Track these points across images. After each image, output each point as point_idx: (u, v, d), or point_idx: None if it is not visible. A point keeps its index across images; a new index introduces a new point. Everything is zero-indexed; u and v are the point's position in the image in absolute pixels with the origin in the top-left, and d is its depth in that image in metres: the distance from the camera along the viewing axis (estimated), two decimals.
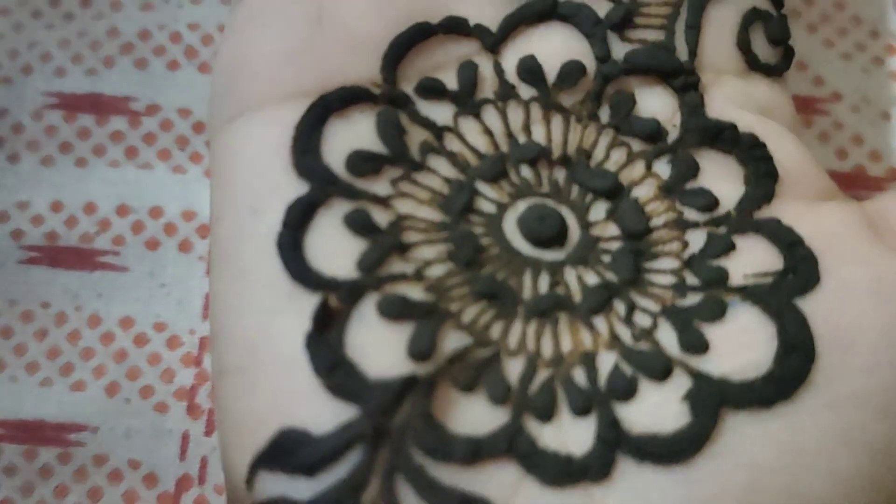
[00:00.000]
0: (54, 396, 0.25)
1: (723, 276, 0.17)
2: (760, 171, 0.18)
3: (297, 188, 0.17)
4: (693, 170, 0.18)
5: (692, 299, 0.17)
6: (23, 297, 0.26)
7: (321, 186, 0.17)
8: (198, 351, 0.25)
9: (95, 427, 0.24)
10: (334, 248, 0.16)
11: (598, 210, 0.18)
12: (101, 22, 0.28)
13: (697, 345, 0.16)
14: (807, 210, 0.18)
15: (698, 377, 0.16)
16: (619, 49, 0.19)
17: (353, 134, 0.17)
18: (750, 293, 0.17)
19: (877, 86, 0.28)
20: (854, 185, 0.27)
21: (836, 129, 0.28)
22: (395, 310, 0.16)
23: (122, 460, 0.24)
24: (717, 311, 0.16)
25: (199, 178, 0.27)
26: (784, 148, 0.18)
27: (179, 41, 0.28)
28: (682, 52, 0.19)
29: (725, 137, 0.18)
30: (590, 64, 0.18)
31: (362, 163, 0.17)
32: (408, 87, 0.18)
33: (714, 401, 0.16)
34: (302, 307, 0.16)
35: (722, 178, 0.18)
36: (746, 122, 0.18)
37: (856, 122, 0.28)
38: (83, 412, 0.25)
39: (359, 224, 0.16)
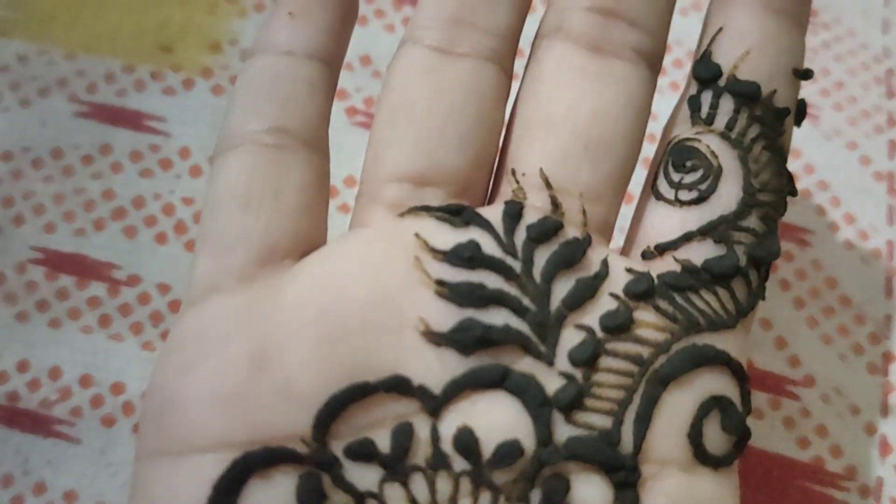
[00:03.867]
0: None
1: None
2: None
3: None
4: None
5: None
6: None
7: None
8: None
9: None
10: None
11: None
12: (98, 182, 0.27)
13: None
14: None
15: None
16: (563, 430, 0.17)
17: (271, 497, 0.16)
18: None
19: (852, 376, 0.26)
20: (810, 477, 0.25)
21: (802, 416, 0.26)
22: None
23: None
24: None
25: None
26: None
27: (172, 214, 0.27)
28: (628, 443, 0.17)
29: None
30: (529, 442, 0.17)
31: None
32: (338, 445, 0.16)
33: None
34: None
35: None
36: None
37: (823, 412, 0.26)
38: None
39: None
